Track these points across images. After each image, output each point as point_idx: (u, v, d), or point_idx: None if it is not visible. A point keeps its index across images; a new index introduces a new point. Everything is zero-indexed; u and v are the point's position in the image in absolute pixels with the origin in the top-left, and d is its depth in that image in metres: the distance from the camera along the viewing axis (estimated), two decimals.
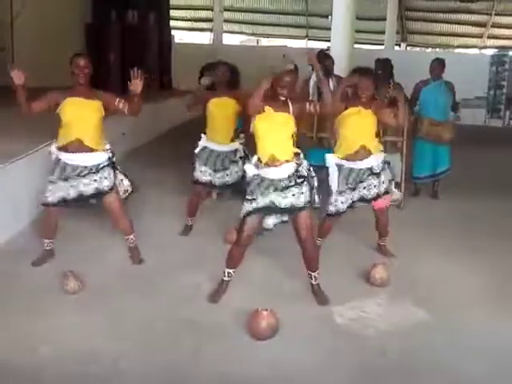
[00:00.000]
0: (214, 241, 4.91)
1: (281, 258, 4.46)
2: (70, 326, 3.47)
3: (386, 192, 4.58)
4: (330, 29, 9.08)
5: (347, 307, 3.85)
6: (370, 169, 4.50)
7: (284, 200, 3.74)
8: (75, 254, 4.49)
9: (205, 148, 5.01)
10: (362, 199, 4.56)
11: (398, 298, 4.02)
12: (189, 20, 19.98)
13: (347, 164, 4.50)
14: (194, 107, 5.18)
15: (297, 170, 3.77)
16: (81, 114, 4.14)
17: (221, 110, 4.90)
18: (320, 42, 16.96)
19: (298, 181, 3.76)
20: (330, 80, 6.35)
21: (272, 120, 3.75)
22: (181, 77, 13.41)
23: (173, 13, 15.36)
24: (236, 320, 3.56)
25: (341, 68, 6.76)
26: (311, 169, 3.87)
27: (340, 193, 4.49)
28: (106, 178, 4.23)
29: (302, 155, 3.83)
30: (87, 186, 4.19)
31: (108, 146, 4.33)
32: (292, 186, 3.74)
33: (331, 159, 4.55)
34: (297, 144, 3.84)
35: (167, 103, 11.08)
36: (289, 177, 3.76)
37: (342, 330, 3.58)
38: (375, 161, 4.52)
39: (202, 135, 5.05)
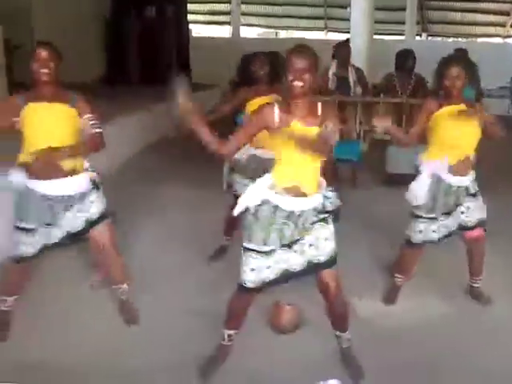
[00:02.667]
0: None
1: None
2: (87, 322, 3.50)
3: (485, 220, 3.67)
4: (349, 20, 9.00)
5: (370, 300, 3.81)
6: (467, 188, 3.59)
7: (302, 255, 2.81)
8: None
9: (253, 157, 4.03)
10: (460, 227, 3.65)
11: (423, 290, 3.98)
12: (206, 13, 19.95)
13: (448, 178, 3.49)
14: (222, 109, 4.40)
15: (323, 203, 2.86)
16: (48, 125, 3.02)
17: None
18: (339, 34, 16.85)
19: (322, 218, 2.84)
20: (349, 71, 6.31)
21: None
22: (199, 71, 13.41)
23: (190, 6, 15.34)
24: (258, 314, 3.55)
25: (361, 59, 6.71)
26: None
27: (432, 220, 3.55)
28: (92, 202, 3.24)
29: (325, 183, 2.90)
30: (75, 221, 3.19)
31: (87, 165, 3.28)
32: (315, 222, 2.82)
33: (438, 169, 3.49)
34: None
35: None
36: (314, 210, 2.82)
37: (364, 323, 3.55)
38: (471, 178, 3.61)
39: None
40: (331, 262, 2.86)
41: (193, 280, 4.09)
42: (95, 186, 3.29)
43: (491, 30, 17.96)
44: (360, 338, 3.37)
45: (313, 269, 2.86)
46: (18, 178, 3.06)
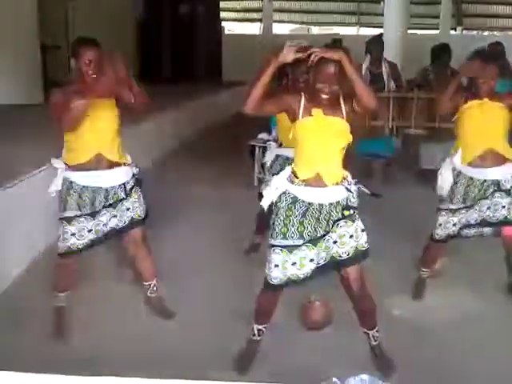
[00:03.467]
0: None
1: None
2: (118, 312, 3.55)
3: None
4: (382, 14, 8.92)
5: (402, 298, 3.78)
6: (498, 183, 3.46)
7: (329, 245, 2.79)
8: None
9: (278, 157, 3.98)
10: (483, 223, 3.54)
11: (455, 289, 3.93)
12: (238, 11, 20.03)
13: (467, 171, 3.49)
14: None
15: (347, 199, 2.80)
16: (97, 121, 3.09)
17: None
18: (372, 29, 16.69)
19: (346, 214, 2.79)
20: (382, 66, 6.25)
21: (321, 127, 2.73)
22: (231, 68, 13.47)
23: (223, 4, 15.43)
24: (289, 310, 3.55)
25: (394, 55, 6.64)
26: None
27: (453, 212, 3.52)
28: (136, 200, 3.29)
29: (350, 177, 2.84)
30: (120, 218, 3.25)
31: (130, 159, 3.32)
32: (340, 219, 2.78)
33: (455, 161, 3.52)
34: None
35: (218, 95, 11.14)
36: (336, 204, 2.77)
37: (397, 322, 3.52)
38: (506, 171, 3.47)
39: (273, 144, 4.15)
40: (355, 259, 2.83)
41: (222, 277, 4.12)
42: (138, 181, 3.33)
43: None
44: (391, 335, 3.35)
45: (336, 266, 2.84)
46: (61, 166, 3.16)
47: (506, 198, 3.46)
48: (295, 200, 2.75)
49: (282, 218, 2.75)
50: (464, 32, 18.51)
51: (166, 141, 8.06)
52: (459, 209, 3.50)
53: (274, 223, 2.78)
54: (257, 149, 6.30)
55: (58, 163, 3.18)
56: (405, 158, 6.82)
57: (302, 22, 20.49)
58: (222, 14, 15.35)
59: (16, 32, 7.80)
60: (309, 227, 2.74)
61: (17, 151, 4.85)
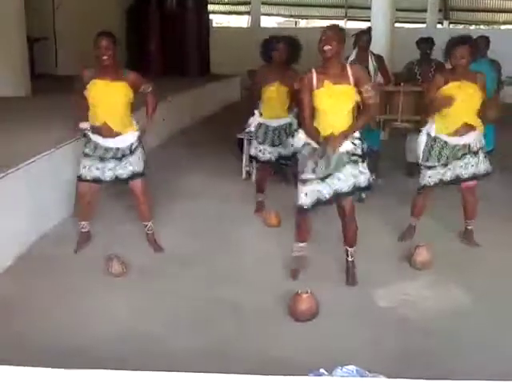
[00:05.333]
0: (253, 224, 4.95)
1: (322, 241, 4.45)
2: (115, 307, 3.56)
3: (487, 173, 4.32)
4: (369, 8, 8.94)
5: (389, 289, 3.82)
6: (468, 146, 4.22)
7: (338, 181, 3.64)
8: (113, 238, 4.58)
9: (260, 125, 5.04)
10: (457, 178, 4.31)
11: (442, 280, 3.97)
12: (226, 3, 19.95)
13: (443, 137, 4.23)
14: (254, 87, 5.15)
15: (354, 149, 3.64)
16: (106, 98, 4.03)
17: (275, 91, 4.90)
18: (359, 22, 16.71)
19: (353, 159, 3.63)
20: (369, 59, 6.26)
21: (332, 95, 3.58)
22: (219, 61, 13.43)
23: None
24: (277, 302, 3.58)
25: (381, 48, 6.65)
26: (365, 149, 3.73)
27: (429, 167, 4.30)
28: (139, 158, 4.21)
29: (358, 133, 3.69)
30: (124, 169, 4.18)
31: (136, 126, 4.25)
32: (347, 163, 3.61)
33: (430, 130, 4.27)
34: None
35: (206, 88, 11.11)
36: (347, 153, 3.61)
37: (385, 313, 3.57)
38: (474, 137, 4.22)
39: (256, 112, 5.07)
40: (351, 192, 3.69)
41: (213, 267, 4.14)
42: (140, 142, 4.23)
43: None
44: (379, 326, 3.39)
45: (337, 196, 3.67)
46: (86, 126, 4.19)
47: (474, 159, 4.24)
48: (314, 149, 3.65)
49: (302, 161, 3.70)
50: (451, 26, 18.58)
51: (151, 135, 8.01)
52: (434, 166, 4.29)
53: (302, 164, 3.70)
54: (245, 141, 6.31)
55: (84, 124, 4.20)
56: (391, 151, 6.86)
57: (290, 16, 20.46)
58: (210, 7, 15.27)
59: (2, 24, 7.70)
60: (323, 167, 3.58)
61: (3, 143, 4.82)
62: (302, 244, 3.95)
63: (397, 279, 3.98)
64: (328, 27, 3.63)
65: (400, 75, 6.68)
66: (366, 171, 3.71)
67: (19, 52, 8.08)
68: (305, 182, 3.68)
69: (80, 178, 4.22)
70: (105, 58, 3.92)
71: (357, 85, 3.58)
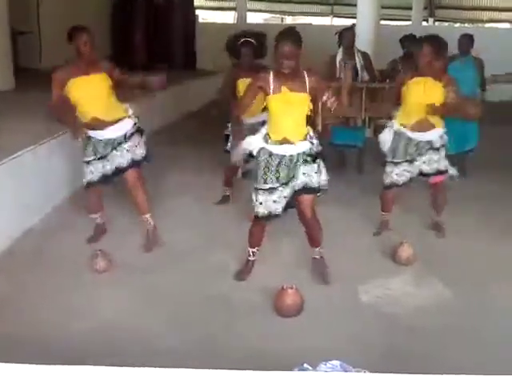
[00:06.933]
0: (238, 219, 4.95)
1: (304, 238, 4.47)
2: (102, 303, 3.56)
3: (446, 170, 4.49)
4: (355, 5, 8.95)
5: (373, 285, 3.85)
6: (430, 143, 4.39)
7: (296, 180, 3.62)
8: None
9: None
10: (421, 174, 4.47)
11: (425, 276, 4.01)
12: None
13: (408, 133, 4.37)
14: (225, 90, 5.20)
15: (310, 149, 3.61)
16: (88, 93, 4.02)
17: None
18: (345, 19, 16.74)
19: (309, 159, 3.61)
20: (355, 56, 6.28)
21: (287, 101, 3.53)
22: (205, 57, 13.38)
23: None
24: (264, 297, 3.60)
25: (367, 45, 6.67)
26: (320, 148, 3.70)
27: (395, 164, 4.41)
28: (136, 146, 4.20)
29: (312, 133, 3.66)
30: (122, 158, 4.15)
31: (131, 111, 4.25)
32: (303, 163, 3.60)
33: (395, 126, 4.43)
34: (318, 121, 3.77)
35: (191, 84, 11.06)
36: (303, 153, 3.60)
37: (368, 308, 3.59)
38: (436, 135, 4.40)
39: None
40: (306, 190, 3.63)
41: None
42: (138, 129, 4.24)
43: (500, 15, 17.82)
44: (362, 322, 3.42)
45: (294, 194, 3.63)
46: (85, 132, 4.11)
47: (436, 155, 4.41)
48: (271, 154, 3.60)
49: (262, 168, 3.60)
50: (436, 23, 18.67)
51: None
52: (401, 162, 4.41)
53: (257, 172, 3.62)
54: (231, 137, 6.29)
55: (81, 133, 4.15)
56: (376, 148, 6.88)
57: (276, 12, 20.44)
58: (196, 2, 15.20)
59: None
60: (282, 173, 3.58)
61: None
62: (254, 249, 3.91)
63: (380, 275, 4.01)
64: (286, 37, 3.43)
65: (384, 72, 6.72)
66: (323, 172, 3.67)
67: (2, 45, 7.97)
68: (260, 190, 3.62)
69: (88, 185, 4.23)
70: (84, 51, 3.95)
71: (314, 94, 3.55)
